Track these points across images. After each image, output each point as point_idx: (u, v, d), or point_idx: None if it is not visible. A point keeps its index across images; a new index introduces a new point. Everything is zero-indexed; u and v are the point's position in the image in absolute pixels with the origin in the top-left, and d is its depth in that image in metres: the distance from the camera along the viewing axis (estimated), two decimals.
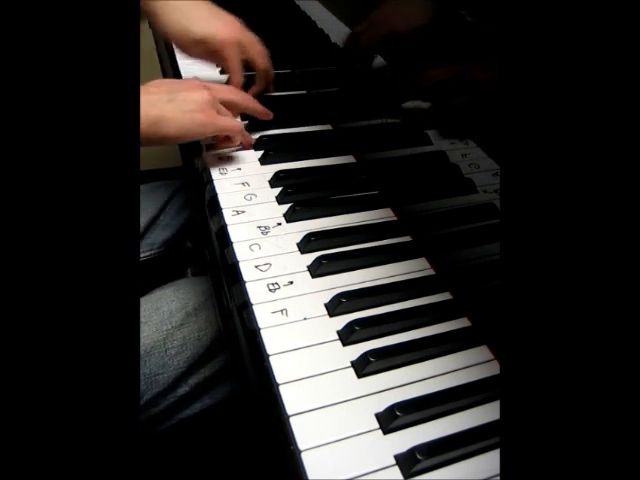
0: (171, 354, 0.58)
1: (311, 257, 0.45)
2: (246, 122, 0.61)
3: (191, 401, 0.60)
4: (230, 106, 0.57)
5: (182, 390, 0.59)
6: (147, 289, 0.63)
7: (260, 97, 0.67)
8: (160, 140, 0.51)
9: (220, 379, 0.61)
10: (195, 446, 0.69)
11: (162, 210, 0.82)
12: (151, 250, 0.80)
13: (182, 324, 0.59)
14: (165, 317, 0.59)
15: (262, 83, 0.67)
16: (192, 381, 0.59)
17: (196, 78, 0.60)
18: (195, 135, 0.53)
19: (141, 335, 0.57)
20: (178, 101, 0.51)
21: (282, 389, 0.35)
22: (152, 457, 0.61)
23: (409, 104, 0.63)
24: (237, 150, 0.58)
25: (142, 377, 0.56)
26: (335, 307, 0.41)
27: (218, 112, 0.54)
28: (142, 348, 0.57)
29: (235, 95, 0.58)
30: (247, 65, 0.65)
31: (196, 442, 0.68)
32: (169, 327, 0.59)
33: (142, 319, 0.58)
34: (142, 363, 0.57)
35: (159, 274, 0.74)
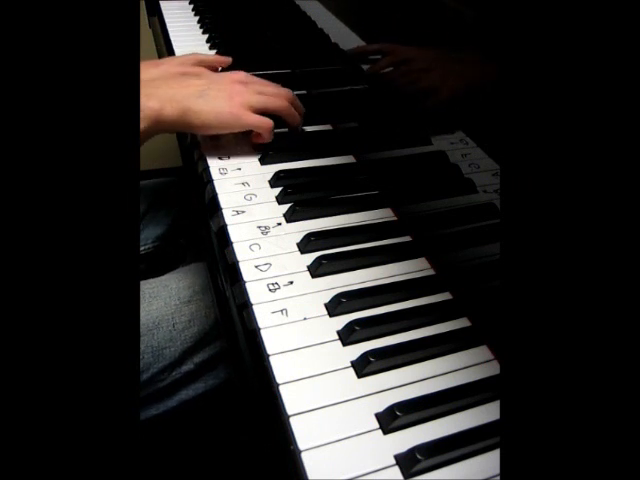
0: (179, 329, 0.59)
1: (311, 257, 0.45)
2: None
3: (195, 379, 0.61)
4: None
5: (187, 367, 0.60)
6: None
7: None
8: (187, 129, 0.55)
9: (224, 359, 0.62)
10: (194, 437, 0.69)
11: (155, 206, 0.83)
12: (145, 245, 0.81)
13: (190, 300, 0.60)
14: (173, 293, 0.60)
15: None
16: (197, 359, 0.60)
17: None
18: (220, 130, 0.55)
19: (149, 308, 0.58)
20: (209, 97, 0.53)
21: (282, 389, 0.35)
22: (151, 444, 0.61)
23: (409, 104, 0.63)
24: (237, 150, 0.58)
25: (149, 350, 0.57)
26: (335, 307, 0.41)
27: (251, 109, 0.55)
28: (150, 321, 0.58)
29: (280, 91, 0.58)
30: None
31: (195, 432, 0.68)
32: (177, 302, 0.60)
33: (151, 294, 0.60)
34: (150, 336, 0.58)
35: (153, 269, 0.74)
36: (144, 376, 0.58)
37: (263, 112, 0.56)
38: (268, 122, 0.56)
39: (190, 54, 0.69)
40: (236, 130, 0.56)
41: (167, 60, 0.68)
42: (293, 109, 0.59)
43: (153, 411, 0.60)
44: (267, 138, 0.57)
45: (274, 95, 0.57)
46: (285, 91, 0.59)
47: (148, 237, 0.82)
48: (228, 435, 0.69)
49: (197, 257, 0.78)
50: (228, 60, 0.69)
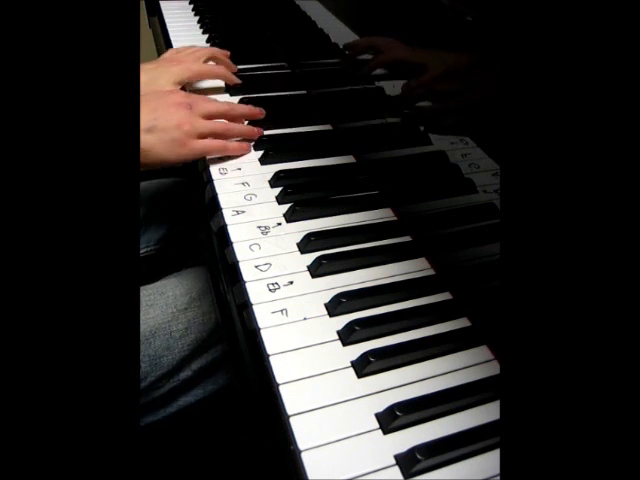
0: (175, 337, 0.59)
1: (311, 257, 0.45)
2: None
3: (193, 386, 0.61)
4: (218, 117, 0.58)
5: (184, 374, 0.60)
6: (144, 285, 0.63)
7: (260, 97, 0.67)
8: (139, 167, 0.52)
9: (223, 365, 0.62)
10: (194, 441, 0.69)
11: (157, 208, 0.83)
12: (147, 247, 0.81)
13: (187, 308, 0.60)
14: (170, 301, 0.60)
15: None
16: (195, 366, 0.60)
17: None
18: (173, 163, 0.54)
19: (146, 317, 0.58)
20: (157, 131, 0.52)
21: (282, 389, 0.35)
22: (150, 450, 0.61)
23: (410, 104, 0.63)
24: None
25: (147, 358, 0.57)
26: (335, 307, 0.41)
27: (200, 136, 0.54)
28: (147, 329, 0.58)
29: (219, 107, 0.58)
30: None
31: (195, 436, 0.68)
32: (174, 310, 0.59)
33: (147, 302, 0.59)
34: (147, 344, 0.57)
35: (155, 270, 0.74)
36: (142, 384, 0.57)
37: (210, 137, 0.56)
38: (218, 144, 0.56)
39: (204, 47, 0.70)
40: (190, 160, 0.55)
41: (184, 56, 0.68)
42: (237, 127, 0.58)
43: (152, 418, 0.60)
44: (233, 152, 0.57)
45: (219, 114, 0.58)
46: (227, 105, 0.59)
47: (150, 239, 0.81)
48: (228, 439, 0.69)
49: (196, 260, 0.78)
50: (234, 68, 0.72)
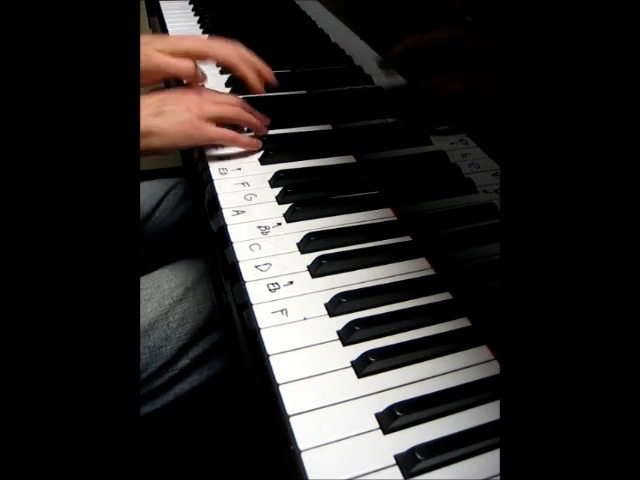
0: (173, 327, 0.60)
1: (311, 257, 0.45)
2: None
3: (190, 373, 0.63)
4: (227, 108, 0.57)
5: (183, 362, 0.62)
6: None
7: (260, 97, 0.67)
8: (150, 153, 0.52)
9: (218, 350, 0.64)
10: (193, 429, 0.69)
11: (158, 207, 0.83)
12: (147, 247, 0.81)
13: (182, 299, 0.62)
14: (166, 293, 0.62)
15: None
16: (192, 353, 0.62)
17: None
18: (184, 146, 0.54)
19: (145, 311, 0.60)
20: (167, 114, 0.52)
21: (282, 389, 0.35)
22: (149, 439, 0.62)
23: (409, 104, 0.63)
24: (237, 150, 0.58)
25: (146, 350, 0.59)
26: (335, 307, 0.41)
27: (209, 120, 0.54)
28: (146, 322, 0.59)
29: (230, 98, 0.58)
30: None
31: (193, 423, 0.69)
32: (170, 302, 0.61)
33: (145, 297, 0.61)
34: (146, 337, 0.59)
35: (155, 269, 0.75)
36: (143, 375, 0.59)
37: (220, 122, 0.55)
38: (230, 134, 0.55)
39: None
40: (200, 144, 0.55)
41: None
42: (249, 115, 0.58)
43: (151, 407, 0.61)
44: (240, 145, 0.56)
45: (227, 103, 0.57)
46: (236, 98, 0.59)
47: (150, 239, 0.82)
48: (225, 427, 0.69)
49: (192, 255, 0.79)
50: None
